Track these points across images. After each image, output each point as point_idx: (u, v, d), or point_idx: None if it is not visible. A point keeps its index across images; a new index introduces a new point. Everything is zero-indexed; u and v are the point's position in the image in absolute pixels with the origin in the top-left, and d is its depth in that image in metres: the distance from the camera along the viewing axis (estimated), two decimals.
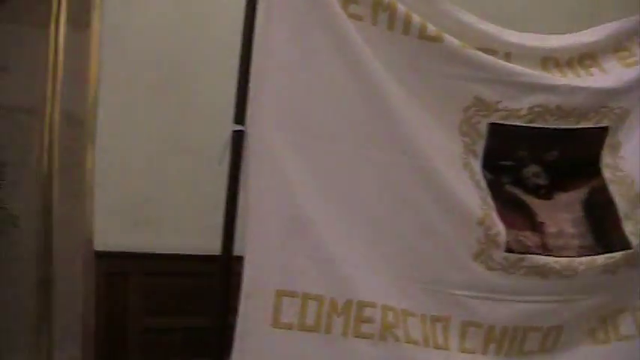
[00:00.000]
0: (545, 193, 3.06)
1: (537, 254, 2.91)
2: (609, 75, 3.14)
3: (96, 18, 4.25)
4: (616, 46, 3.19)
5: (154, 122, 4.39)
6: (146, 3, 4.51)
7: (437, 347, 2.83)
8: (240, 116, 2.65)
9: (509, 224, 2.93)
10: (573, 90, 3.05)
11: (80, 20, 4.20)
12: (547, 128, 3.03)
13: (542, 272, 2.90)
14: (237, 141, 2.64)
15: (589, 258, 2.96)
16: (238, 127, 2.64)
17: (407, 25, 2.87)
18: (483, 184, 2.94)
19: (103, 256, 4.13)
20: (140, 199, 4.28)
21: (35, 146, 4.03)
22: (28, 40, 4.08)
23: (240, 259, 2.68)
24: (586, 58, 3.17)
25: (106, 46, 4.28)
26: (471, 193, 2.90)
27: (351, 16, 2.81)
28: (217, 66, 4.09)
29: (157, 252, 4.27)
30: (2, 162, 3.17)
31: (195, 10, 4.56)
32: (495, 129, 2.98)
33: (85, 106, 4.17)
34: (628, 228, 3.03)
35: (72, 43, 4.15)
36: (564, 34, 3.26)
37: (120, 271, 4.23)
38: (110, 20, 4.30)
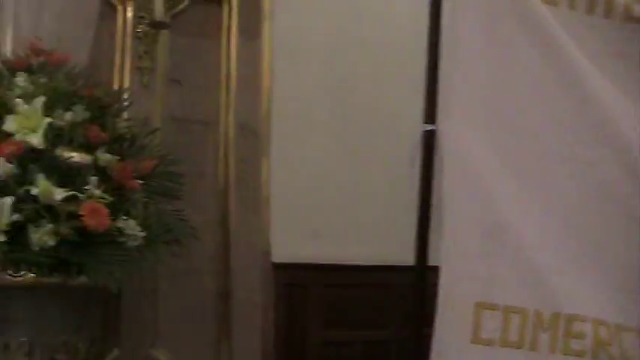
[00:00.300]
0: None
1: None
2: None
3: (266, 27, 4.22)
4: None
5: (330, 129, 4.33)
6: (316, 8, 4.44)
7: None
8: (430, 115, 2.47)
9: None
10: None
11: (251, 30, 4.17)
12: None
13: None
14: (429, 141, 2.46)
15: None
16: (429, 127, 2.46)
17: (609, 6, 2.63)
18: None
19: (281, 268, 4.08)
20: (318, 208, 4.22)
21: (210, 158, 4.01)
22: (200, 52, 4.09)
23: (431, 269, 2.50)
24: None
25: (278, 55, 4.23)
26: None
27: (546, 1, 2.59)
28: (395, 66, 4.00)
29: (337, 263, 4.20)
30: (180, 173, 3.12)
31: (367, 10, 4.47)
32: None
33: (259, 116, 4.13)
34: None
35: (243, 53, 4.13)
36: None
37: (299, 282, 4.19)
38: (281, 28, 4.25)
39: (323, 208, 4.23)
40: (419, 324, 2.55)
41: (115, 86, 3.68)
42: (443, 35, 2.59)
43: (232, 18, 4.14)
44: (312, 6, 4.43)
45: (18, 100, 2.76)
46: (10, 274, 2.60)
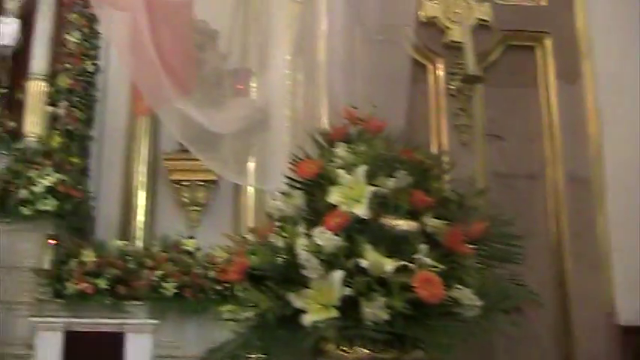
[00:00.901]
0: None
1: None
2: None
3: (587, 68, 3.94)
4: None
5: None
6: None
7: None
8: None
9: None
10: None
11: (570, 72, 3.96)
12: None
13: None
14: None
15: None
16: None
17: None
18: None
19: (629, 332, 3.73)
20: None
21: (540, 214, 3.77)
22: (518, 102, 3.91)
23: None
24: None
25: (603, 96, 3.90)
26: None
27: None
28: None
29: None
30: (516, 235, 2.86)
31: None
32: None
33: (589, 164, 3.86)
34: None
35: (564, 97, 3.92)
36: None
37: None
38: (603, 68, 3.92)
39: None
40: None
41: (434, 147, 3.59)
42: None
43: (548, 62, 3.95)
44: (634, 39, 4.06)
45: (340, 170, 2.69)
46: (343, 350, 2.49)
